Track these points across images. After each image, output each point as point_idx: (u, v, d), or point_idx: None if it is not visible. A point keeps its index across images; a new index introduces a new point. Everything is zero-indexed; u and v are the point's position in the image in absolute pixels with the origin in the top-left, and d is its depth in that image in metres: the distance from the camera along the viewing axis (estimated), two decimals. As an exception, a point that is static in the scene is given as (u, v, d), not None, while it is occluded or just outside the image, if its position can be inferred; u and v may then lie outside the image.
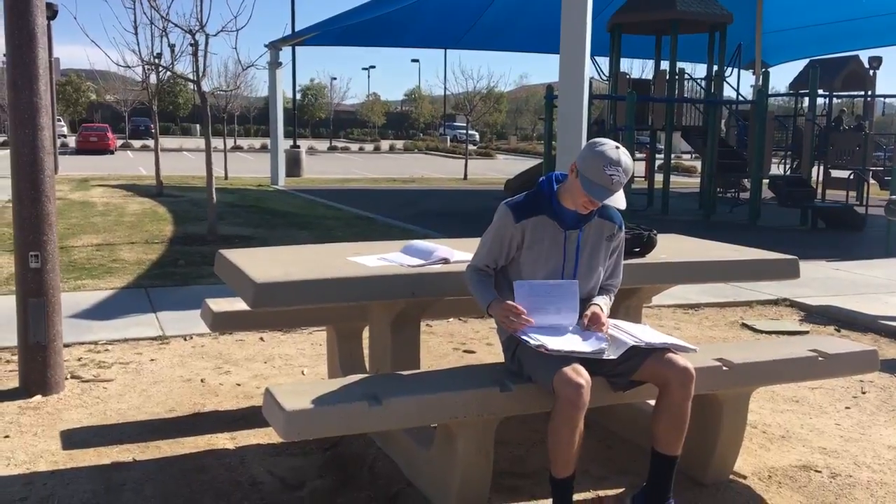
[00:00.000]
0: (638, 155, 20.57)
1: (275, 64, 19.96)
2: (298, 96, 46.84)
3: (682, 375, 2.71)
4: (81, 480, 3.21)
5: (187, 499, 3.07)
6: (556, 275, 2.88)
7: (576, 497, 3.10)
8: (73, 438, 3.64)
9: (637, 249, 3.58)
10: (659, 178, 16.84)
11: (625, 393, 2.88)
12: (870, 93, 19.75)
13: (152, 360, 4.89)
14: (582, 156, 2.76)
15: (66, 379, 4.39)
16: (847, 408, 4.35)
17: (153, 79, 15.72)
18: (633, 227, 3.63)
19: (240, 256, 3.36)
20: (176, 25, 10.22)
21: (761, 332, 6.07)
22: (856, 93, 20.27)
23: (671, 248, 3.89)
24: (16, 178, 4.10)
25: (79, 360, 4.82)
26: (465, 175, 25.08)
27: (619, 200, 2.74)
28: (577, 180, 2.75)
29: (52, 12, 19.29)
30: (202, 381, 4.52)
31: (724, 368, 3.05)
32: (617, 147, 2.74)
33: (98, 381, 4.46)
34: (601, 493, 3.20)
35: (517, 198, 2.94)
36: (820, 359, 3.23)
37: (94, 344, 5.15)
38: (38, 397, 4.14)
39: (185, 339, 5.34)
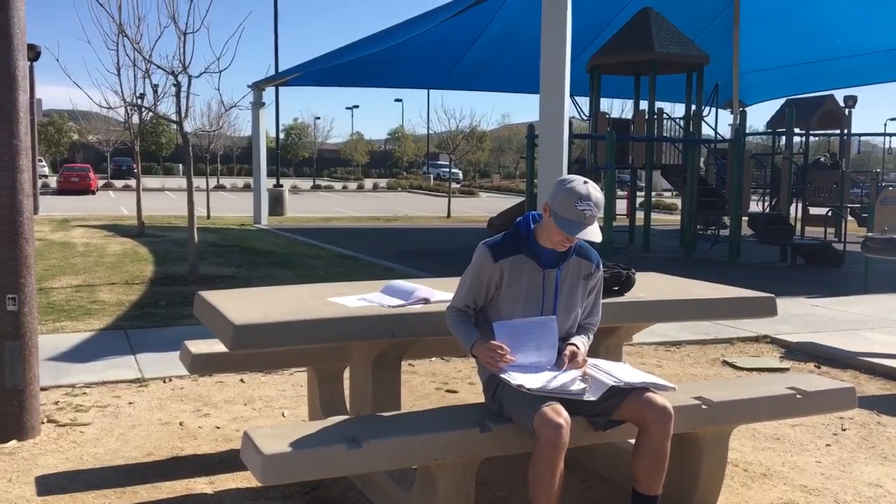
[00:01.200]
0: (619, 193, 20.76)
1: (258, 104, 20.07)
2: (282, 136, 47.05)
3: (661, 414, 2.72)
4: (56, 528, 3.15)
5: (164, 545, 3.02)
6: (535, 313, 2.89)
7: (557, 539, 3.09)
8: (49, 484, 3.58)
9: (616, 288, 3.61)
10: (640, 215, 16.99)
11: (605, 432, 2.88)
12: (846, 131, 20.11)
13: (130, 403, 4.83)
14: (552, 194, 2.80)
15: (43, 423, 4.32)
16: (828, 445, 4.36)
17: (136, 119, 15.76)
18: (611, 265, 3.66)
19: (219, 298, 3.35)
20: (158, 67, 10.29)
21: (742, 368, 6.09)
22: (832, 131, 20.63)
23: (650, 286, 3.92)
24: (-6, 221, 4.08)
25: (56, 403, 4.76)
26: (449, 213, 25.19)
27: (593, 234, 2.77)
28: (551, 219, 2.79)
29: (34, 53, 19.36)
30: (181, 424, 4.46)
31: (704, 407, 3.06)
32: (585, 182, 2.79)
33: (75, 425, 4.40)
34: (583, 534, 3.18)
35: (495, 238, 2.97)
36: (798, 396, 3.25)
37: (72, 387, 5.09)
38: (14, 442, 4.08)
39: (165, 382, 5.28)
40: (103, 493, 3.49)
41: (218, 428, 4.41)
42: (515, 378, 2.73)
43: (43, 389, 4.61)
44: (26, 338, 4.15)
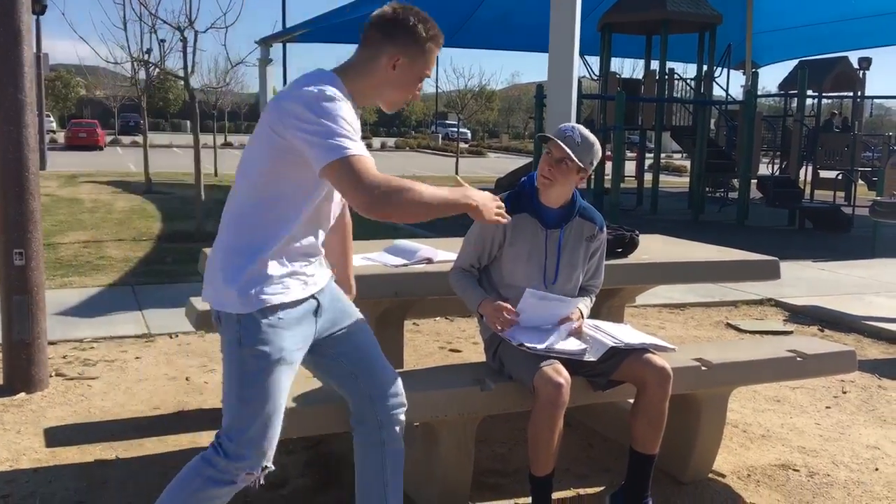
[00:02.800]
0: (628, 154, 20.63)
1: (265, 61, 19.95)
2: (290, 93, 46.60)
3: (660, 375, 2.74)
4: (64, 478, 3.21)
5: (169, 496, 3.08)
6: (536, 273, 2.90)
7: (556, 495, 3.13)
8: (57, 436, 3.65)
9: (619, 250, 3.61)
10: (648, 177, 16.91)
11: (605, 392, 2.90)
12: (859, 94, 19.88)
13: (137, 357, 4.89)
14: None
15: (51, 376, 4.39)
16: (827, 407, 4.39)
17: (142, 75, 15.68)
18: (615, 227, 3.66)
19: (223, 255, 3.36)
20: (164, 22, 10.22)
21: (745, 331, 6.11)
22: (845, 93, 20.39)
23: (653, 248, 3.92)
24: (0, 176, 4.10)
25: (64, 357, 4.82)
26: (457, 173, 25.13)
27: (568, 147, 2.78)
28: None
29: (40, 7, 19.20)
30: (187, 379, 4.52)
31: (703, 368, 3.08)
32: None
33: (83, 378, 4.46)
34: (581, 491, 3.23)
35: (500, 196, 2.96)
36: (798, 359, 3.26)
37: (80, 342, 5.15)
38: (22, 395, 4.14)
39: (171, 337, 5.34)
40: (110, 445, 3.56)
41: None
42: (518, 337, 2.75)
43: (51, 343, 4.67)
44: (34, 292, 4.18)
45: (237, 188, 2.18)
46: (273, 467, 2.22)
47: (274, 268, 2.13)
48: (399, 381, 2.44)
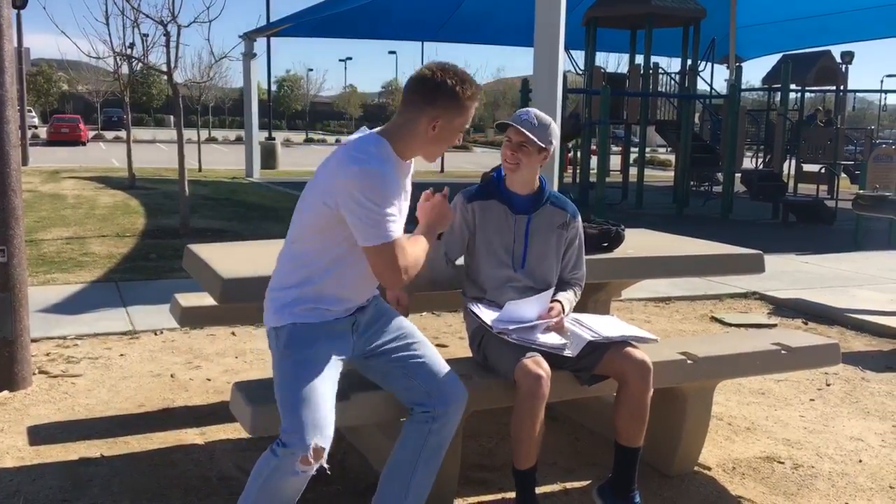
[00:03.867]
0: (613, 149, 20.68)
1: (249, 55, 19.81)
2: (274, 88, 46.47)
3: (640, 368, 2.76)
4: (48, 476, 3.19)
5: (155, 494, 3.06)
6: (505, 258, 2.95)
7: (543, 489, 3.14)
8: (41, 434, 3.62)
9: (605, 244, 3.62)
10: (634, 171, 16.96)
11: (590, 387, 2.91)
12: (842, 87, 20.00)
13: (122, 355, 4.86)
14: None
15: (34, 374, 4.35)
16: (812, 400, 4.43)
17: (125, 69, 15.56)
18: (601, 221, 3.67)
19: (208, 251, 3.35)
20: (147, 16, 10.14)
21: (730, 325, 6.15)
22: (828, 87, 20.50)
23: (639, 242, 3.93)
24: (-19, 172, 4.05)
25: (47, 354, 4.78)
26: (442, 168, 25.09)
27: (524, 129, 2.85)
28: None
29: (20, 0, 18.99)
30: (172, 376, 4.50)
31: (689, 362, 3.09)
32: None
33: (66, 376, 4.42)
34: (568, 485, 3.24)
35: (472, 187, 3.08)
36: (783, 352, 3.28)
37: (63, 339, 5.11)
38: (5, 393, 4.10)
39: (156, 334, 5.31)
40: (94, 443, 3.53)
41: (209, 380, 4.44)
42: (501, 326, 2.77)
43: (34, 341, 4.62)
44: (16, 289, 4.14)
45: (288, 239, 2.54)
46: (324, 459, 2.29)
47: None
48: (456, 380, 2.57)
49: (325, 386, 2.37)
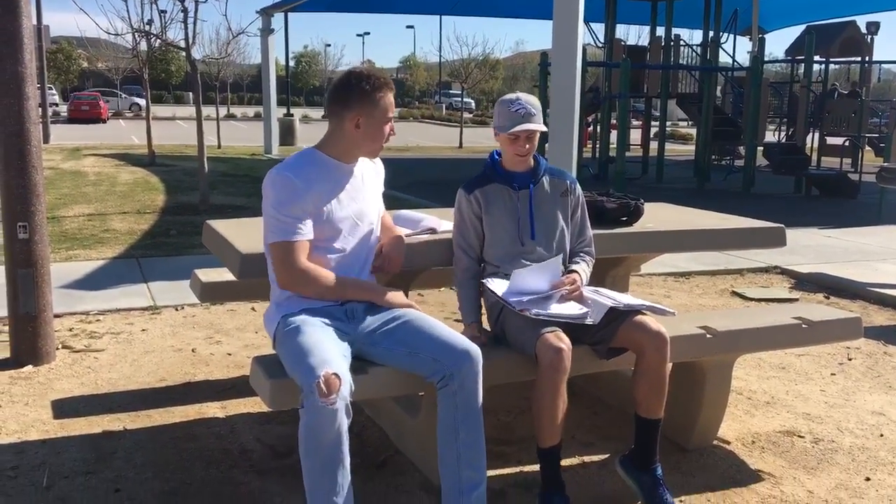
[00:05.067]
0: (633, 123, 20.49)
1: (267, 30, 19.78)
2: (292, 63, 46.38)
3: (656, 340, 2.75)
4: (72, 449, 3.24)
5: (177, 466, 3.11)
6: (515, 231, 2.98)
7: (562, 462, 3.14)
8: (64, 408, 3.67)
9: (624, 218, 3.59)
10: (654, 145, 16.80)
11: (608, 360, 2.90)
12: (867, 59, 19.63)
13: (143, 330, 4.91)
14: (494, 117, 3.01)
15: (57, 349, 4.41)
16: (832, 374, 4.40)
17: (144, 46, 15.58)
18: (620, 195, 3.65)
19: (227, 227, 3.36)
20: (165, -8, 10.10)
21: (751, 299, 6.11)
22: (853, 59, 20.14)
23: (658, 216, 3.90)
24: (2, 149, 4.08)
25: (70, 330, 4.84)
26: (461, 143, 25.01)
27: (535, 125, 2.91)
28: (501, 136, 2.98)
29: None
30: (193, 350, 4.54)
31: (708, 336, 3.07)
32: (514, 93, 3.03)
33: (89, 351, 4.48)
34: (587, 458, 3.24)
35: (468, 179, 3.12)
36: (804, 326, 3.25)
37: (86, 314, 5.17)
38: (30, 367, 4.16)
39: (177, 310, 5.35)
40: (117, 416, 3.58)
41: (229, 354, 4.48)
42: (520, 302, 2.76)
43: (57, 316, 4.68)
44: (38, 265, 4.19)
45: None
46: (344, 391, 2.31)
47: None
48: (459, 337, 2.60)
49: (327, 339, 2.50)
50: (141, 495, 2.88)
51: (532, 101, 2.96)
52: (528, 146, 2.96)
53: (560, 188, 3.07)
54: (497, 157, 3.10)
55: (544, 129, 2.95)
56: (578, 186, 3.14)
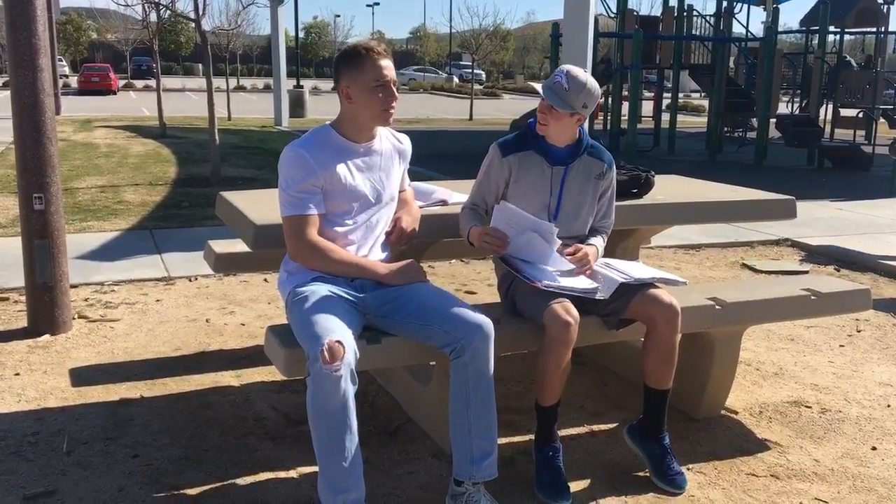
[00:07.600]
0: (645, 94, 20.33)
1: (276, 1, 19.65)
2: (301, 34, 46.15)
3: (668, 311, 2.77)
4: (91, 416, 3.31)
5: (194, 433, 3.17)
6: (540, 209, 2.94)
7: (570, 431, 3.21)
8: (82, 376, 3.74)
9: (635, 190, 3.60)
10: (666, 117, 16.70)
11: (618, 331, 2.94)
12: (883, 29, 19.36)
13: (158, 300, 4.97)
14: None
15: (74, 319, 4.47)
16: (841, 346, 4.42)
17: (153, 17, 15.53)
18: (630, 168, 3.65)
19: (240, 198, 3.40)
20: (175, -37, 10.06)
21: (761, 271, 6.11)
22: (868, 29, 19.87)
23: (669, 188, 3.91)
24: (17, 120, 4.12)
25: (86, 300, 4.90)
26: (471, 115, 24.90)
27: (558, 101, 2.81)
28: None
29: (49, -51, 18.94)
30: (207, 321, 4.60)
31: (717, 307, 3.10)
32: (567, 66, 2.92)
33: (105, 320, 4.55)
34: (595, 427, 3.29)
35: (507, 136, 3.02)
36: (812, 298, 3.27)
37: (101, 285, 5.23)
38: (47, 336, 4.23)
39: (191, 281, 5.41)
40: (134, 384, 3.65)
41: (243, 325, 4.54)
42: (532, 275, 2.78)
43: (73, 287, 4.75)
44: (54, 236, 4.24)
45: None
46: (348, 359, 2.36)
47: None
48: (468, 308, 2.61)
49: (334, 308, 2.54)
50: (158, 461, 2.94)
51: (575, 76, 2.80)
52: (545, 115, 2.86)
53: (595, 170, 2.99)
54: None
55: (556, 108, 2.82)
56: (613, 169, 3.06)
